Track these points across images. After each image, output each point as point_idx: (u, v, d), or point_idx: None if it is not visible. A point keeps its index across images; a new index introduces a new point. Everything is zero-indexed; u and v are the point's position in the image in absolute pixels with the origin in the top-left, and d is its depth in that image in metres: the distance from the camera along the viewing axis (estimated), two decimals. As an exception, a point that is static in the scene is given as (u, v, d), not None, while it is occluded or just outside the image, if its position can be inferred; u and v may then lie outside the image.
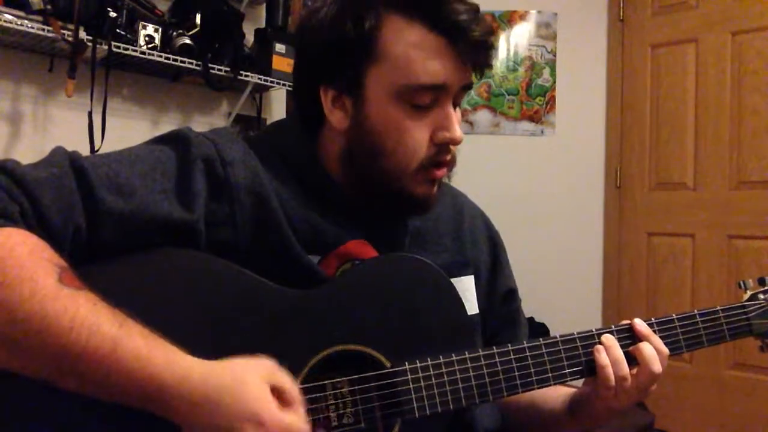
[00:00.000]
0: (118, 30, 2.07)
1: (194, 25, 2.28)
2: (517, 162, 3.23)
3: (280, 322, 0.78)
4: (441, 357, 0.82)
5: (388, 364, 0.80)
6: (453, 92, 0.84)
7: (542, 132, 3.23)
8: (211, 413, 0.65)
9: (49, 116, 2.18)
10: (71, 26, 1.95)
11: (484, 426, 0.97)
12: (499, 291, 1.04)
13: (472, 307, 0.96)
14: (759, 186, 2.76)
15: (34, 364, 0.64)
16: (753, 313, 0.98)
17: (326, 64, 0.85)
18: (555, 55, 3.24)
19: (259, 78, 2.45)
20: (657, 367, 0.86)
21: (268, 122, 2.69)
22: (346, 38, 0.82)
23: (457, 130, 0.84)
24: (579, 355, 0.88)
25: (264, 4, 2.62)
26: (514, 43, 3.25)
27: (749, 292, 1.00)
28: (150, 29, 2.16)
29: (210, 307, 0.76)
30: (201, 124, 2.55)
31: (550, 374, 0.86)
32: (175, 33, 2.24)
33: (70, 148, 0.77)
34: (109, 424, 0.69)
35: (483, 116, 3.25)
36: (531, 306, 1.18)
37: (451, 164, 0.88)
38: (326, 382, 0.78)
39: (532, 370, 0.85)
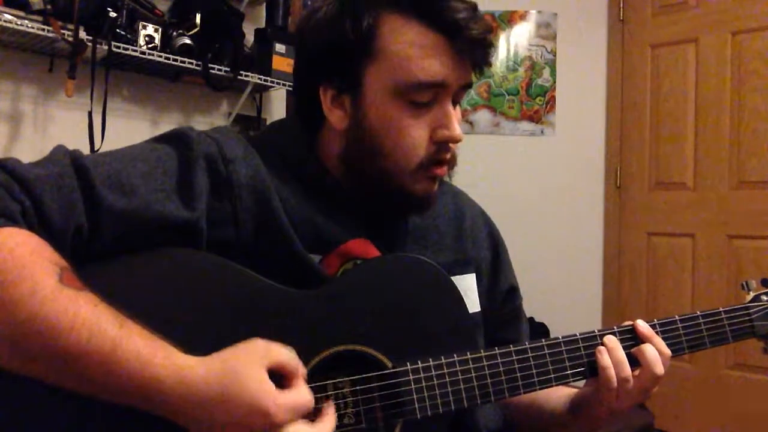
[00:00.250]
0: (118, 30, 2.07)
1: (194, 25, 2.27)
2: (517, 162, 3.23)
3: (282, 322, 0.78)
4: (443, 357, 0.81)
5: (390, 365, 0.80)
6: (452, 90, 0.84)
7: (542, 132, 3.23)
8: (215, 412, 0.65)
9: (49, 116, 2.18)
10: (71, 26, 1.95)
11: (485, 426, 0.97)
12: (501, 289, 1.04)
13: (473, 305, 0.96)
14: (759, 186, 2.76)
15: (35, 365, 0.64)
16: (756, 315, 0.98)
17: (325, 64, 0.85)
18: (555, 55, 3.23)
19: (259, 78, 2.45)
20: (659, 368, 0.86)
21: (268, 122, 2.69)
22: (344, 38, 0.82)
23: (457, 128, 0.84)
24: (581, 356, 0.88)
25: (264, 4, 2.63)
26: (514, 43, 3.25)
27: (752, 294, 1.00)
28: (150, 29, 2.16)
29: (211, 306, 0.76)
30: (201, 124, 2.54)
31: (552, 375, 0.86)
32: (175, 33, 2.23)
33: (70, 148, 0.77)
34: (109, 424, 0.69)
35: (483, 116, 3.25)
36: (531, 306, 1.18)
37: (451, 163, 0.88)
38: (328, 382, 0.78)
39: (534, 371, 0.85)
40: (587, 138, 3.20)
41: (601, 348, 0.87)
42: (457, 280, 0.92)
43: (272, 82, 2.48)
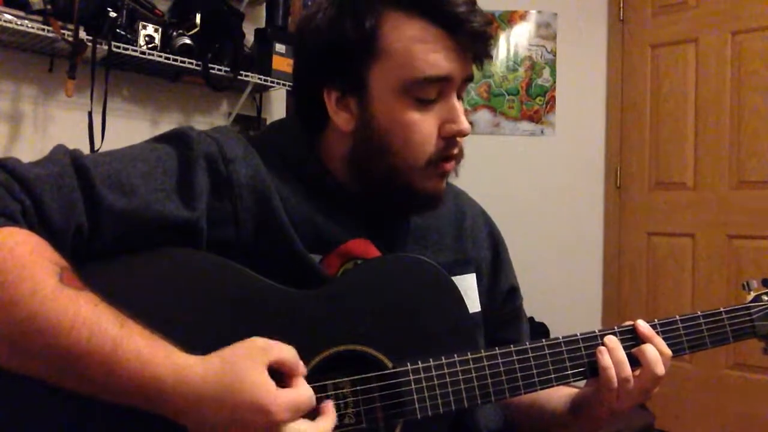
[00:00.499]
0: (118, 30, 2.07)
1: (194, 25, 2.27)
2: (517, 162, 3.23)
3: (282, 322, 0.78)
4: (443, 357, 0.81)
5: (390, 365, 0.80)
6: (456, 84, 0.85)
7: (542, 132, 3.23)
8: (215, 411, 0.65)
9: (49, 116, 2.18)
10: (71, 26, 1.95)
11: (486, 426, 0.97)
12: (501, 289, 1.04)
13: (473, 305, 0.96)
14: (759, 186, 2.76)
15: (35, 364, 0.64)
16: (757, 315, 0.97)
17: (328, 66, 0.85)
18: (555, 55, 3.23)
19: (259, 78, 2.45)
20: (660, 369, 0.86)
21: (268, 122, 2.69)
22: (346, 39, 0.82)
23: (464, 121, 0.85)
24: (582, 356, 0.87)
25: (264, 4, 2.62)
26: (514, 43, 3.24)
27: (753, 294, 1.00)
28: (150, 29, 2.15)
29: (211, 306, 0.76)
30: (201, 124, 2.54)
31: (552, 375, 0.86)
32: (175, 33, 2.23)
33: (70, 148, 0.77)
34: (109, 424, 0.69)
35: (483, 116, 3.25)
36: (531, 306, 1.18)
37: (458, 157, 0.88)
38: (328, 382, 0.78)
39: (535, 371, 0.85)
40: (587, 138, 3.20)
41: (602, 348, 0.87)
42: (457, 280, 0.92)
43: (272, 82, 2.48)
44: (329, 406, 0.74)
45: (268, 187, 0.83)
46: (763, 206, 2.73)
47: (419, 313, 0.84)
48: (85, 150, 0.95)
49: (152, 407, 0.65)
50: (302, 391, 0.69)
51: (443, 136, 0.85)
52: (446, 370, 0.81)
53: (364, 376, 0.79)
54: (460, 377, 0.82)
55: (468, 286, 0.98)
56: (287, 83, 2.50)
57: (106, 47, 2.04)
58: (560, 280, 3.13)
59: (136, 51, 2.12)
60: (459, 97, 0.87)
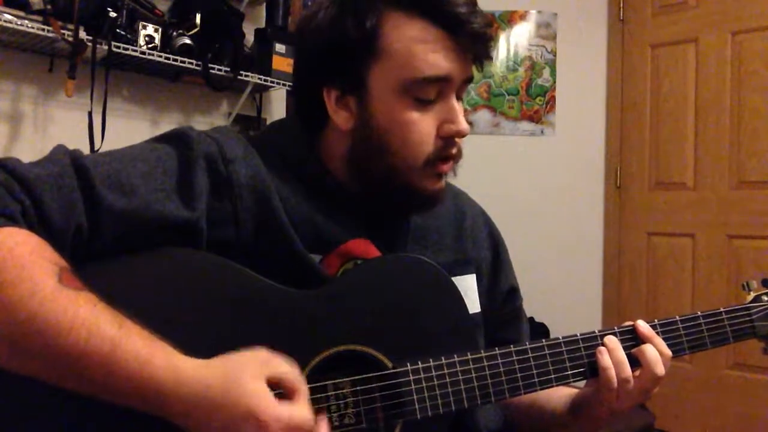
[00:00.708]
0: (118, 30, 2.07)
1: (194, 25, 2.27)
2: (517, 162, 3.23)
3: (282, 322, 0.78)
4: (443, 357, 0.81)
5: (390, 365, 0.80)
6: (456, 85, 0.85)
7: (542, 132, 3.23)
8: (211, 415, 0.65)
9: (49, 116, 2.18)
10: (71, 26, 1.95)
11: (486, 427, 0.97)
12: (501, 289, 1.04)
13: (473, 305, 0.96)
14: (759, 186, 2.76)
15: (34, 365, 0.64)
16: (757, 315, 0.97)
17: (328, 66, 0.85)
18: (555, 55, 3.23)
19: (259, 78, 2.45)
20: (660, 369, 0.86)
21: (268, 122, 2.69)
22: (347, 38, 0.82)
23: (463, 122, 0.85)
24: (581, 357, 0.87)
25: (264, 4, 2.62)
26: (514, 43, 3.24)
27: (753, 294, 1.00)
28: (150, 29, 2.15)
29: (210, 306, 0.76)
30: (201, 124, 2.54)
31: (552, 375, 0.86)
32: (175, 33, 2.23)
33: (70, 148, 0.77)
34: (109, 424, 0.69)
35: (483, 116, 3.25)
36: (531, 306, 1.18)
37: (456, 158, 0.88)
38: (328, 382, 0.78)
39: (535, 371, 0.85)
40: (587, 138, 3.20)
41: (602, 348, 0.87)
42: (457, 280, 0.92)
43: (272, 82, 2.48)
44: (322, 422, 0.72)
45: (268, 187, 0.83)
46: (763, 206, 2.73)
47: (419, 314, 0.84)
48: (85, 150, 0.95)
49: (150, 408, 0.65)
50: (299, 409, 0.68)
51: (441, 136, 0.85)
52: (446, 371, 0.81)
53: (364, 376, 0.79)
54: (460, 377, 0.82)
55: (468, 286, 0.98)
56: (287, 83, 2.50)
57: (106, 47, 2.04)
58: (560, 280, 3.13)
59: (136, 51, 2.12)
60: (458, 98, 0.87)
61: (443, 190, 0.89)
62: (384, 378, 0.79)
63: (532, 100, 3.24)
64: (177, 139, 0.82)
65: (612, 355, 0.86)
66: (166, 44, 2.21)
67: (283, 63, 2.48)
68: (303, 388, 0.70)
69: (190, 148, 0.80)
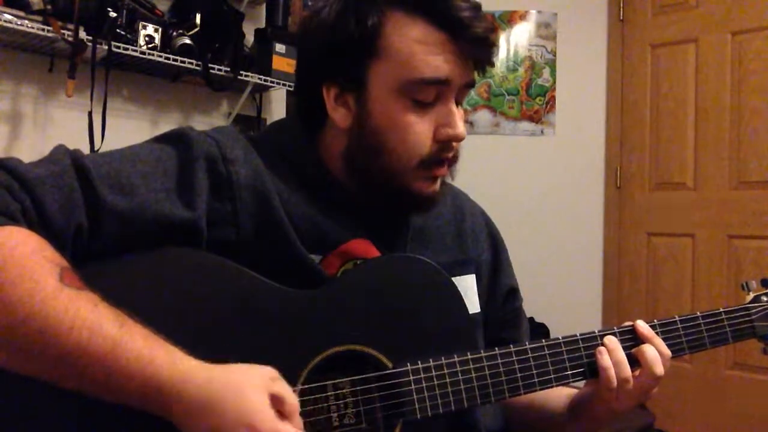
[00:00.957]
0: (118, 30, 2.07)
1: (194, 25, 2.27)
2: (517, 162, 3.23)
3: (282, 322, 0.78)
4: (443, 357, 0.81)
5: (390, 365, 0.80)
6: (455, 89, 0.84)
7: (542, 132, 3.23)
8: (209, 418, 0.65)
9: (49, 116, 2.18)
10: (71, 26, 1.95)
11: (486, 426, 0.97)
12: (501, 290, 1.04)
13: (473, 306, 0.96)
14: (759, 186, 2.76)
15: (35, 364, 0.64)
16: (756, 315, 0.98)
17: (329, 63, 0.85)
18: (555, 55, 3.23)
19: (259, 78, 2.45)
20: (659, 369, 0.86)
21: (268, 122, 2.69)
22: (349, 36, 0.82)
23: (460, 126, 0.84)
24: (581, 357, 0.88)
25: (264, 4, 2.62)
26: (514, 43, 3.24)
27: (752, 294, 1.00)
28: (150, 29, 2.15)
29: (211, 306, 0.76)
30: (201, 124, 2.54)
31: (552, 375, 0.86)
32: (175, 33, 2.23)
33: (70, 148, 0.77)
34: (109, 423, 0.69)
35: (483, 116, 3.25)
36: (531, 306, 1.18)
37: (453, 161, 0.88)
38: (328, 382, 0.78)
39: (534, 371, 0.85)
40: (587, 138, 3.20)
41: (602, 348, 0.87)
42: (457, 280, 0.92)
43: (272, 82, 2.48)
44: None
45: (268, 187, 0.83)
46: (763, 206, 2.73)
47: (419, 314, 0.84)
48: (85, 150, 0.95)
49: (151, 407, 0.65)
50: (295, 430, 0.68)
51: (438, 139, 0.84)
52: (446, 371, 0.81)
53: (363, 376, 0.79)
54: (460, 377, 0.82)
55: (468, 286, 0.98)
56: (287, 83, 2.50)
57: (106, 47, 2.04)
58: (560, 280, 3.13)
59: (136, 51, 2.12)
60: (459, 103, 0.87)
61: (438, 194, 0.89)
62: (384, 378, 0.80)
63: (532, 100, 3.24)
64: (177, 139, 0.82)
65: (612, 355, 0.86)
66: (166, 44, 2.21)
67: (283, 63, 2.48)
68: (298, 410, 0.69)
69: (191, 148, 0.80)
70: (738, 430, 2.75)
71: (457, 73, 0.83)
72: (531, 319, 2.88)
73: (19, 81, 2.12)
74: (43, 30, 1.92)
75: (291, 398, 0.69)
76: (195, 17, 2.27)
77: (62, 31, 1.94)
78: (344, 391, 0.79)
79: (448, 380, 0.81)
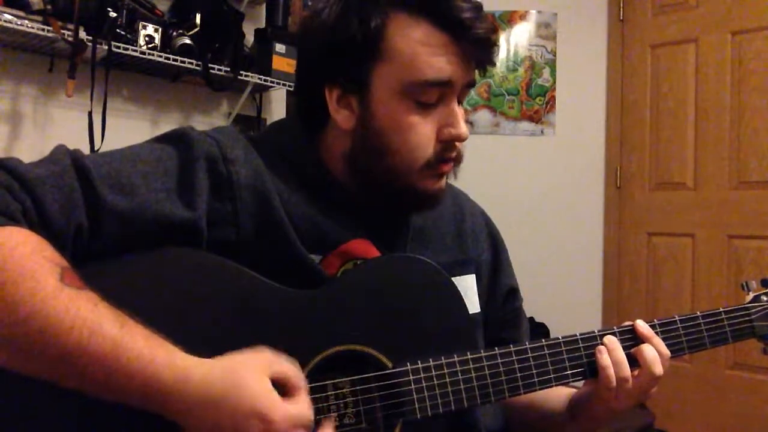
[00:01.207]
0: (118, 30, 2.07)
1: (194, 25, 2.27)
2: (517, 162, 3.23)
3: (282, 322, 0.78)
4: (443, 357, 0.82)
5: (390, 365, 0.80)
6: (458, 89, 0.85)
7: (542, 132, 3.23)
8: (215, 414, 0.65)
9: (49, 116, 2.18)
10: (71, 26, 1.95)
11: (486, 426, 0.97)
12: (501, 290, 1.04)
13: (473, 306, 0.96)
14: (759, 186, 2.76)
15: (35, 364, 0.64)
16: (756, 315, 0.98)
17: (331, 64, 0.85)
18: (555, 55, 3.23)
19: (259, 78, 2.45)
20: (658, 369, 0.86)
21: (268, 122, 2.69)
22: (351, 37, 0.82)
23: (463, 126, 0.85)
24: (581, 356, 0.88)
25: (264, 4, 2.62)
26: (514, 43, 3.25)
27: (752, 294, 1.00)
28: (150, 29, 2.15)
29: (211, 306, 0.76)
30: (201, 124, 2.54)
31: (552, 375, 0.86)
32: (175, 33, 2.23)
33: (70, 148, 0.77)
34: (110, 423, 0.69)
35: (483, 116, 3.25)
36: (531, 306, 1.18)
37: (457, 160, 0.88)
38: (327, 382, 0.78)
39: (534, 371, 0.85)
40: (587, 138, 3.20)
41: (601, 347, 0.87)
42: (457, 280, 0.92)
43: (272, 82, 2.48)
44: (329, 422, 0.74)
45: (269, 187, 0.83)
46: (763, 206, 2.74)
47: (419, 314, 0.84)
48: (85, 150, 0.95)
49: (152, 407, 0.65)
50: (303, 407, 0.69)
51: (441, 140, 0.85)
52: (446, 370, 0.81)
53: (363, 376, 0.79)
54: (460, 377, 0.82)
55: (468, 286, 0.98)
56: (287, 83, 2.50)
57: (106, 47, 2.04)
58: (560, 280, 3.13)
59: (136, 51, 2.12)
60: (460, 102, 0.87)
61: (443, 190, 0.89)
62: (384, 378, 0.80)
63: (532, 100, 3.24)
64: (177, 139, 0.82)
65: (611, 354, 0.86)
66: (166, 44, 2.21)
67: (283, 63, 2.48)
68: (304, 385, 0.71)
69: (191, 148, 0.80)
70: (738, 430, 2.75)
71: (459, 74, 0.83)
72: (531, 319, 2.88)
73: (19, 81, 2.12)
74: (43, 30, 1.92)
75: (293, 373, 0.70)
76: (195, 17, 2.27)
77: (62, 31, 1.94)
78: (344, 390, 0.79)
79: (448, 380, 0.81)
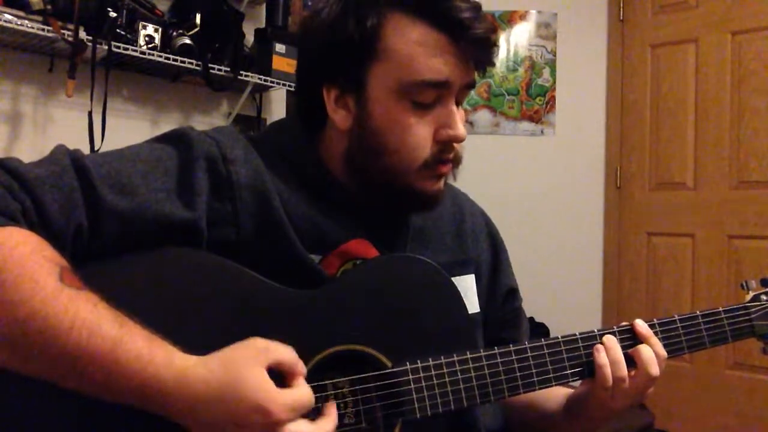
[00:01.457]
0: (118, 30, 2.07)
1: (194, 25, 2.27)
2: (517, 162, 3.23)
3: (281, 322, 0.78)
4: (442, 357, 0.82)
5: (389, 364, 0.80)
6: (455, 90, 0.84)
7: (542, 132, 3.23)
8: (215, 411, 0.65)
9: (49, 116, 2.18)
10: (71, 26, 1.95)
11: (485, 426, 0.97)
12: (500, 290, 1.04)
13: (473, 306, 0.96)
14: (759, 186, 2.76)
15: (35, 364, 0.64)
16: (755, 314, 0.98)
17: (329, 64, 0.85)
18: (555, 55, 3.24)
19: (259, 78, 2.45)
20: (655, 370, 0.86)
21: (268, 122, 2.69)
22: (349, 37, 0.82)
23: (460, 127, 0.84)
24: (581, 356, 0.88)
25: (264, 4, 2.63)
26: (514, 43, 3.25)
27: (752, 293, 1.00)
28: (150, 29, 2.16)
29: (211, 306, 0.76)
30: (201, 124, 2.54)
31: (551, 375, 0.86)
32: (175, 33, 2.23)
33: (70, 148, 0.77)
34: (109, 424, 0.69)
35: (483, 116, 3.25)
36: (531, 306, 1.18)
37: (455, 162, 0.88)
38: (327, 382, 0.78)
39: (534, 370, 0.85)
40: (587, 138, 3.20)
41: (599, 346, 0.87)
42: (456, 280, 0.92)
43: (272, 82, 2.48)
44: (330, 407, 0.74)
45: (268, 187, 0.83)
46: (763, 206, 2.74)
47: (418, 313, 0.84)
48: (85, 150, 0.95)
49: (152, 407, 0.65)
50: (302, 392, 0.69)
51: (438, 140, 0.84)
52: (445, 370, 0.81)
53: (363, 375, 0.79)
54: (460, 377, 0.82)
55: (467, 286, 0.98)
56: (287, 83, 2.50)
57: (106, 47, 2.05)
58: (560, 280, 3.13)
59: (136, 51, 2.12)
60: (459, 104, 0.87)
61: (442, 191, 0.89)
62: (383, 377, 0.80)
63: (532, 100, 3.24)
64: (177, 139, 0.82)
65: (609, 353, 0.86)
66: (166, 44, 2.21)
67: (283, 63, 2.48)
68: (301, 368, 0.70)
69: (191, 148, 0.80)
70: (738, 430, 2.75)
71: (457, 75, 0.83)
72: (531, 319, 2.88)
73: (19, 81, 2.12)
74: (43, 30, 1.92)
75: (288, 358, 0.70)
76: (195, 17, 2.28)
77: (62, 31, 1.94)
78: (344, 390, 0.79)
79: (447, 380, 0.81)
